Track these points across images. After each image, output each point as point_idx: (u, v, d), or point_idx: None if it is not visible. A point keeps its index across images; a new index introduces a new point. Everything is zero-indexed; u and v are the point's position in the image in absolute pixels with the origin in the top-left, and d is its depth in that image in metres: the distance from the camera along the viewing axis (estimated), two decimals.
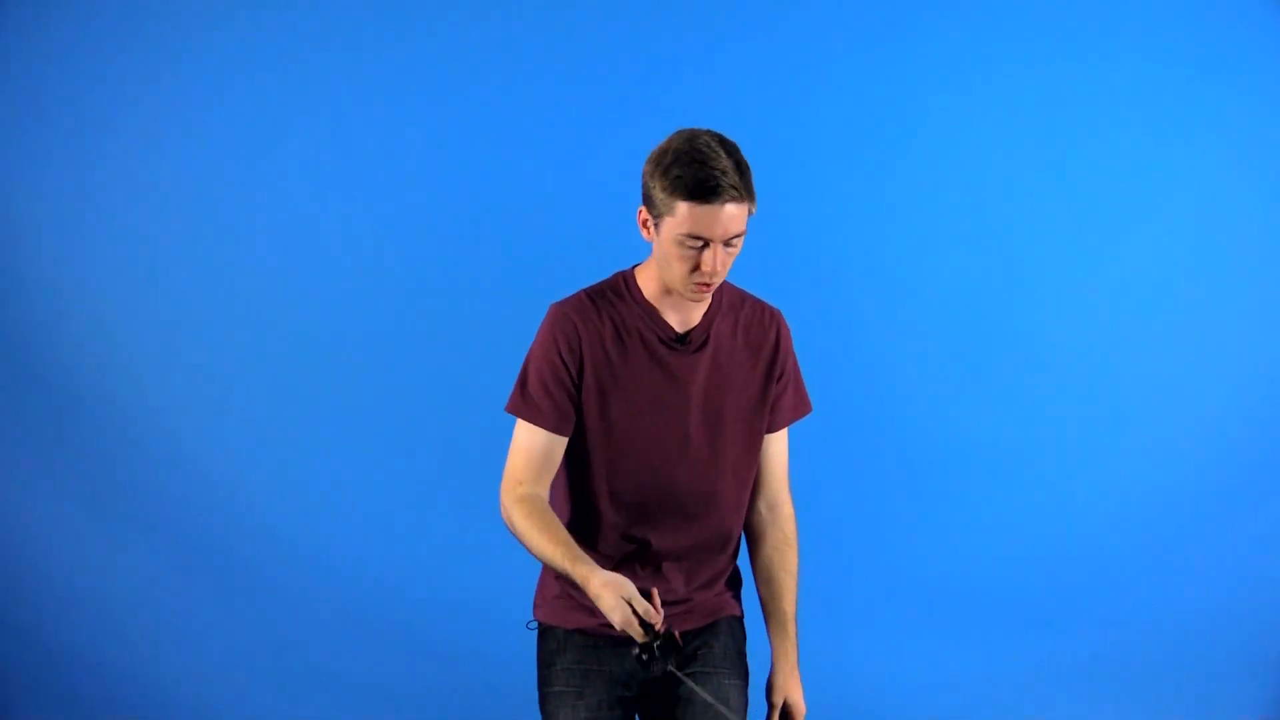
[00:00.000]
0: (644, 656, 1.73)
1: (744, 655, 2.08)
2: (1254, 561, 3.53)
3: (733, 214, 1.80)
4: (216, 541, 3.53)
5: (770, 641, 2.08)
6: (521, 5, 3.62)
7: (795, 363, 2.07)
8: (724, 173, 1.78)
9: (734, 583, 2.10)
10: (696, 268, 1.83)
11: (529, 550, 1.88)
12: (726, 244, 1.82)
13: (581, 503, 1.99)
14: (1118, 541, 3.59)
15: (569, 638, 2.00)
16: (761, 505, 2.08)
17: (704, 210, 1.78)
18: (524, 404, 1.93)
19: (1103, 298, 3.68)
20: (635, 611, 1.73)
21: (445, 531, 3.54)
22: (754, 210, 1.84)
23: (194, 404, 3.58)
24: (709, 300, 1.95)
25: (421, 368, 3.59)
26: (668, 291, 1.93)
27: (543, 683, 2.03)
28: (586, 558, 1.82)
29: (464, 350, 3.57)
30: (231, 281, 3.61)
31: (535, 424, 1.92)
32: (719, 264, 1.81)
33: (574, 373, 1.92)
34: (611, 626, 1.89)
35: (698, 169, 1.78)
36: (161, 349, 3.58)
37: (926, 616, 3.53)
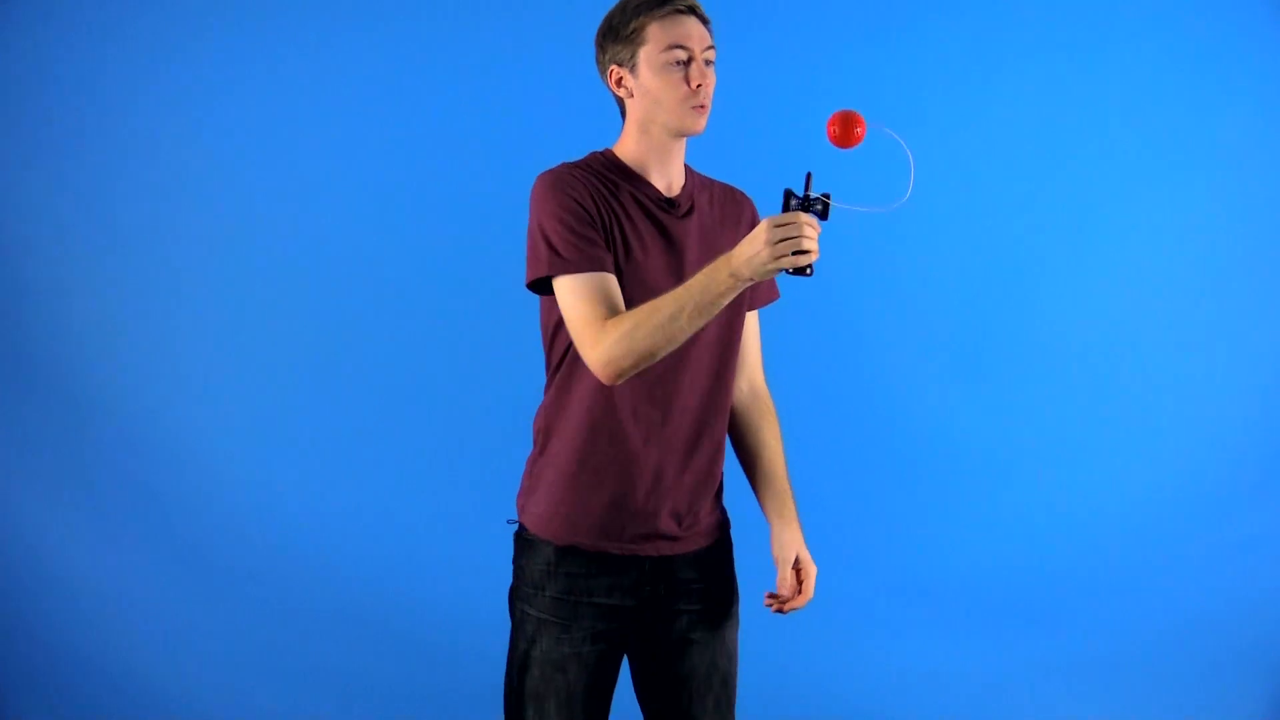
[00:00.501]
0: (811, 205, 1.67)
1: (733, 575, 2.04)
2: (1254, 561, 3.53)
3: (701, 27, 1.86)
4: (216, 541, 3.53)
5: (766, 509, 2.02)
6: (521, 4, 3.62)
7: None
8: None
9: (720, 494, 2.05)
10: (687, 87, 1.85)
11: (661, 334, 1.72)
12: (706, 62, 1.86)
13: (588, 382, 1.86)
14: (1118, 541, 3.59)
15: (560, 560, 1.90)
16: (743, 383, 2.06)
17: (675, 20, 1.84)
18: (559, 260, 1.79)
19: (1103, 297, 3.68)
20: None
21: (442, 530, 3.54)
22: (712, 38, 1.88)
23: (194, 404, 3.58)
24: (682, 169, 1.94)
25: (418, 367, 3.59)
26: (649, 155, 1.91)
27: (522, 598, 1.94)
28: (701, 272, 1.71)
29: (461, 350, 3.58)
30: (229, 280, 3.61)
31: (583, 270, 1.78)
32: (706, 76, 1.85)
33: (593, 214, 1.83)
34: (601, 547, 1.89)
35: None
36: (161, 349, 3.58)
37: (927, 616, 3.53)
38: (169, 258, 3.59)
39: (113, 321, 3.55)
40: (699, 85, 1.84)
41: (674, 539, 1.93)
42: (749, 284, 1.68)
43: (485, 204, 3.61)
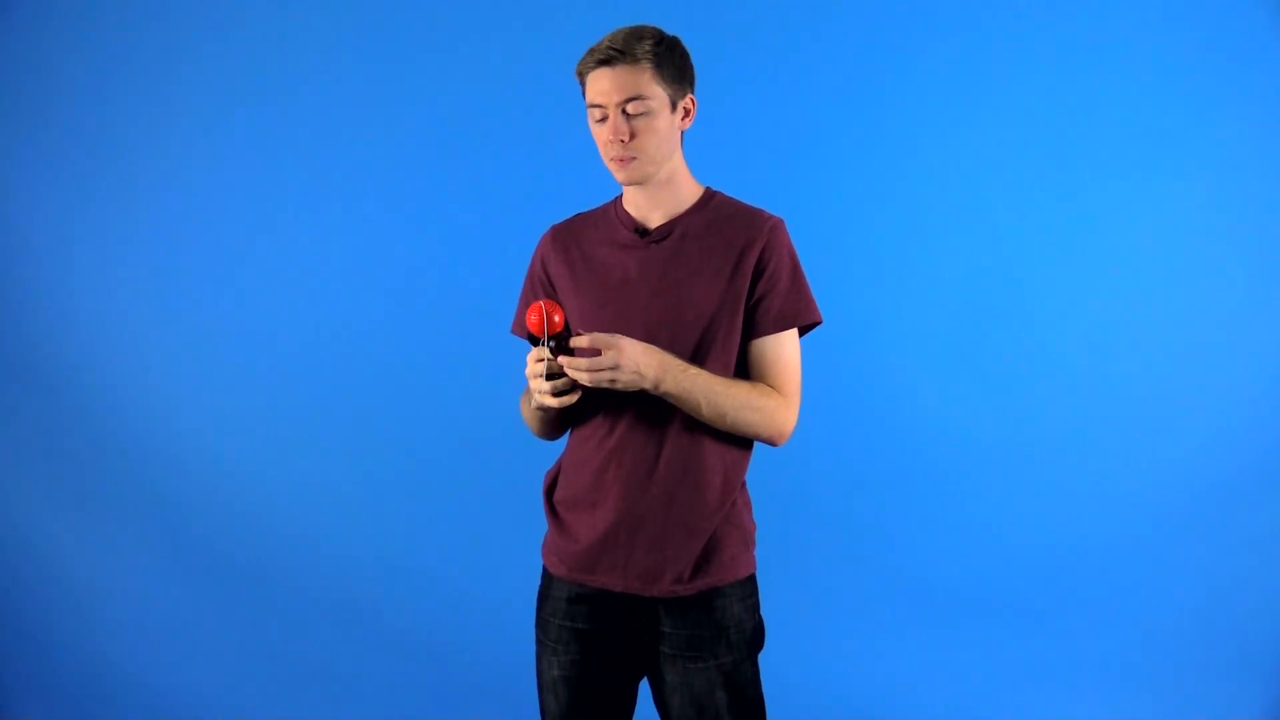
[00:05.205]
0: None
1: (737, 625, 1.92)
2: (1253, 561, 3.53)
3: (619, 76, 1.81)
4: (216, 542, 3.53)
5: None
6: (525, 6, 3.62)
7: (791, 267, 1.93)
8: (609, 40, 1.83)
9: (732, 538, 1.93)
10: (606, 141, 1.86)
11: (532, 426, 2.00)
12: (625, 111, 1.82)
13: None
14: (1118, 541, 3.59)
15: (550, 584, 1.98)
16: None
17: (594, 74, 1.84)
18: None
19: (1103, 297, 3.68)
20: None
21: (445, 530, 3.54)
22: (654, 71, 1.82)
23: (194, 405, 3.58)
24: (662, 203, 1.92)
25: (419, 367, 3.59)
26: (626, 193, 1.96)
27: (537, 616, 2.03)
28: None
29: (465, 349, 3.57)
30: (229, 281, 3.61)
31: (514, 332, 2.02)
32: (621, 130, 1.82)
33: (545, 282, 1.99)
34: (572, 582, 1.93)
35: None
36: (161, 350, 3.58)
37: (926, 616, 3.53)
38: (170, 259, 3.59)
39: (114, 323, 3.55)
40: (610, 140, 1.84)
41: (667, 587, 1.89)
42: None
43: (489, 205, 3.62)
